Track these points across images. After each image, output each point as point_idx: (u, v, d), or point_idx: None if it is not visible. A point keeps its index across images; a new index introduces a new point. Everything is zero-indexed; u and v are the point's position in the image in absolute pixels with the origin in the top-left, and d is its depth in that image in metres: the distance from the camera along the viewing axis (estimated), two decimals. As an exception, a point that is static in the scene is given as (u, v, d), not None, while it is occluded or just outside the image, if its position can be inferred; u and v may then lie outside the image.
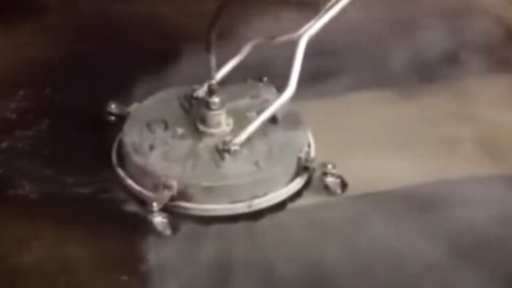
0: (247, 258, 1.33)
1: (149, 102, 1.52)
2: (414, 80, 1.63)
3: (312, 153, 1.47)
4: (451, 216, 1.37)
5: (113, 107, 1.53)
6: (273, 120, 1.46)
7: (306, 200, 1.43)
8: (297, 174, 1.42)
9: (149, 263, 1.30)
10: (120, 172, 1.43)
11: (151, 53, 1.69)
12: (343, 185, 1.42)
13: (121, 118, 1.51)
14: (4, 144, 1.51)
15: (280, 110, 1.45)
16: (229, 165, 1.38)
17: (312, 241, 1.35)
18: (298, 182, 1.42)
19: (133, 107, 1.51)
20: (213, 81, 1.42)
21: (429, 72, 1.65)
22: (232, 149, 1.39)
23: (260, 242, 1.35)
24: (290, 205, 1.41)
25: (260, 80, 1.57)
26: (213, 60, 1.41)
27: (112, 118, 1.53)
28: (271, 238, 1.36)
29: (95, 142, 1.51)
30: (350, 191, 1.42)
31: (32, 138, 1.53)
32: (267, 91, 1.53)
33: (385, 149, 1.50)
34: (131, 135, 1.44)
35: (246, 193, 1.37)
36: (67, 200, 1.40)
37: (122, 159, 1.44)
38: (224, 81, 1.50)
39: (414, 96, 1.60)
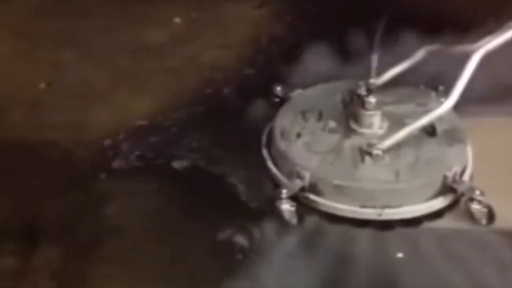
0: (367, 267, 1.27)
1: (312, 90, 1.50)
2: None
3: (466, 176, 1.37)
4: None
5: (278, 89, 1.53)
6: (432, 132, 1.38)
7: (445, 223, 1.33)
8: (440, 193, 1.33)
9: (269, 247, 1.29)
10: (265, 153, 1.42)
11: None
12: (490, 216, 1.31)
13: (284, 102, 1.50)
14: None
15: (440, 123, 1.38)
16: (367, 168, 1.33)
17: (440, 267, 1.26)
18: (440, 202, 1.33)
19: (295, 93, 1.50)
20: (372, 81, 1.37)
21: None
22: (374, 153, 1.33)
23: (384, 254, 1.29)
24: (426, 224, 1.33)
25: (435, 88, 1.49)
26: (375, 59, 1.36)
27: (277, 100, 1.53)
28: (397, 253, 1.29)
29: (255, 120, 1.51)
30: (497, 224, 1.30)
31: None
32: (436, 101, 1.44)
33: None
34: (283, 120, 1.43)
35: (378, 200, 1.31)
36: (203, 171, 1.42)
37: (270, 141, 1.44)
38: (396, 83, 1.45)
39: None
